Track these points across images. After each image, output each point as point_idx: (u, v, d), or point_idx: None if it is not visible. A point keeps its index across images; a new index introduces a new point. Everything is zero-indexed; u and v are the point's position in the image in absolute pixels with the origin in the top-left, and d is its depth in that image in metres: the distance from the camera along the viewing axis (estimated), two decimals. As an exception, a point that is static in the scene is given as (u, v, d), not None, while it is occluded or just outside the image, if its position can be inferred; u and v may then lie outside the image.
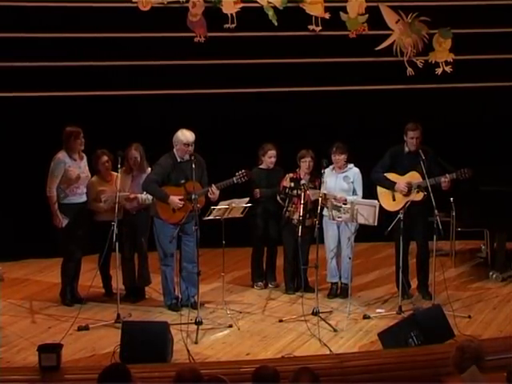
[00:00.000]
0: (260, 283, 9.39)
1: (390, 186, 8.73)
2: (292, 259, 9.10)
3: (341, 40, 10.78)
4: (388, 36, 10.95)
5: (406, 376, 6.68)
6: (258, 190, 9.15)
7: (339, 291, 9.03)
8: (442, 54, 11.07)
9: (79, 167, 8.64)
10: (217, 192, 8.35)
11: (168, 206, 8.38)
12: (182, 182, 8.36)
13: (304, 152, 9.02)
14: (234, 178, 8.43)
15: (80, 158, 8.69)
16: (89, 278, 8.45)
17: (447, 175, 8.47)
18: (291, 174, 9.07)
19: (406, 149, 8.75)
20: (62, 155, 8.58)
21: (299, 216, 8.61)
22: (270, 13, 10.59)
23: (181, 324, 7.93)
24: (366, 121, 10.64)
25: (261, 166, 9.30)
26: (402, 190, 8.65)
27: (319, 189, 8.67)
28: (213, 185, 8.37)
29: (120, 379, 4.96)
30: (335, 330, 7.95)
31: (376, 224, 8.18)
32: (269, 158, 9.23)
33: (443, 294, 8.49)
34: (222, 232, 8.41)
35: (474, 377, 4.90)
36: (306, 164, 8.98)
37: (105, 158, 8.78)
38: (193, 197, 8.17)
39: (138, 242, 8.87)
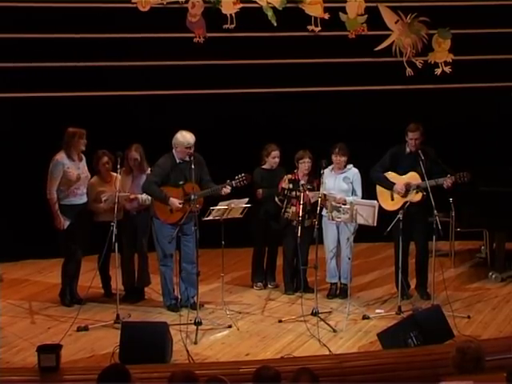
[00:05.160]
0: (260, 283, 9.39)
1: (389, 186, 8.74)
2: (291, 260, 9.11)
3: (340, 40, 10.79)
4: (387, 36, 10.95)
5: (406, 376, 6.67)
6: (260, 191, 9.14)
7: (338, 291, 9.03)
8: (442, 54, 11.07)
9: (78, 168, 8.63)
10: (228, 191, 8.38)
11: (166, 207, 8.38)
12: (181, 183, 8.36)
13: (302, 153, 9.01)
14: (233, 182, 8.41)
15: (79, 159, 8.67)
16: (88, 278, 8.45)
17: (449, 177, 8.44)
18: (289, 176, 9.06)
19: (407, 149, 8.75)
20: (60, 157, 8.57)
21: (298, 217, 8.61)
22: (270, 13, 10.59)
23: (180, 324, 7.94)
24: (366, 121, 10.63)
25: (264, 167, 9.30)
26: (399, 191, 8.67)
27: (318, 189, 8.69)
28: (227, 185, 8.35)
29: (119, 380, 4.96)
30: (334, 331, 7.95)
31: (375, 224, 8.18)
32: (272, 159, 9.22)
33: (443, 295, 8.50)
34: (222, 232, 8.42)
35: None
36: (304, 165, 8.97)
37: (105, 158, 8.77)
38: (192, 197, 8.18)
39: (138, 243, 8.87)
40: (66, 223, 8.53)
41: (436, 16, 10.89)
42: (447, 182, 8.46)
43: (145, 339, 7.06)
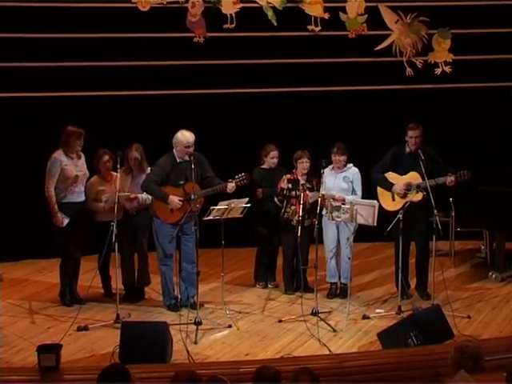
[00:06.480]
0: (262, 282, 9.39)
1: (388, 186, 8.74)
2: (291, 259, 9.11)
3: (340, 40, 10.79)
4: (387, 36, 10.95)
5: (406, 376, 6.68)
6: (260, 190, 9.14)
7: (338, 291, 9.03)
8: (442, 54, 11.07)
9: (76, 165, 8.61)
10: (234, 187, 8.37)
11: (166, 206, 8.38)
12: (181, 182, 8.36)
13: (300, 153, 9.01)
14: (234, 182, 8.41)
15: (77, 157, 8.65)
16: (88, 278, 8.45)
17: (450, 175, 8.44)
18: (288, 176, 9.06)
19: (407, 149, 8.75)
20: (57, 154, 8.55)
21: (298, 216, 8.61)
22: (270, 13, 10.59)
23: (180, 324, 7.94)
24: (366, 121, 10.64)
25: (263, 166, 9.30)
26: (398, 192, 8.66)
27: (317, 189, 8.69)
28: (228, 183, 8.35)
29: (119, 379, 4.97)
30: (334, 330, 7.95)
31: (375, 224, 8.18)
32: (271, 159, 9.23)
33: (442, 294, 8.49)
34: (222, 232, 8.42)
35: (463, 380, 4.90)
36: (302, 165, 8.97)
37: (106, 157, 8.76)
38: (192, 197, 8.18)
39: (138, 243, 8.87)
40: (65, 221, 8.50)
41: (436, 16, 10.89)
42: (449, 179, 8.45)
43: (145, 339, 7.06)
